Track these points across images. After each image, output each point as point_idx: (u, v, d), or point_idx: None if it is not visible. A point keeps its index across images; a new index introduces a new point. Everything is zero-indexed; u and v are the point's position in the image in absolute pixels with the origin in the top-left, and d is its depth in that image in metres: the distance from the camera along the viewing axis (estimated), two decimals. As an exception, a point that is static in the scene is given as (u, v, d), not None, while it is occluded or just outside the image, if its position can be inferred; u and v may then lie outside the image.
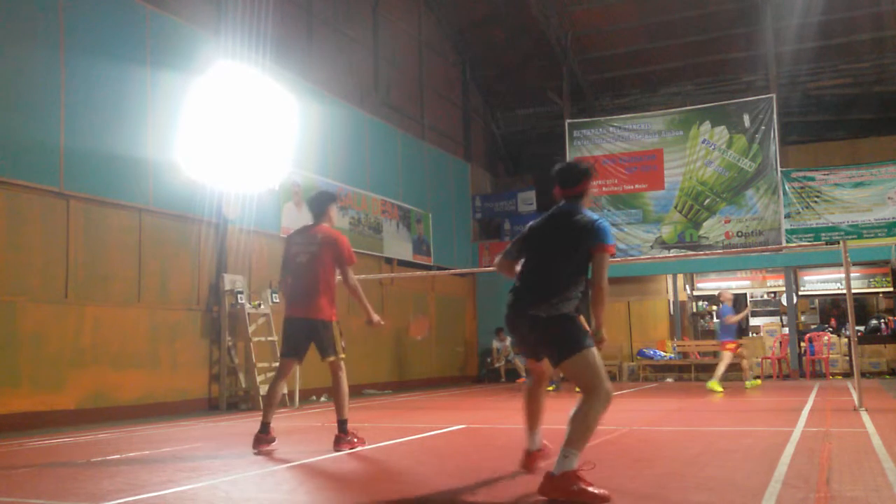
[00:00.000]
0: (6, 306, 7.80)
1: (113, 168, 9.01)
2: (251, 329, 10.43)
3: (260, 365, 10.46)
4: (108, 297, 8.98)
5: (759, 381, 12.94)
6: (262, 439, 5.64)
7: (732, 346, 12.11)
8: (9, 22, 8.04)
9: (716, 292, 19.86)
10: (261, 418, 5.72)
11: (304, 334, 5.74)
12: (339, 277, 5.97)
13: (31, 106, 8.20)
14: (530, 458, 4.35)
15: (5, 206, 7.95)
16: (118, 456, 5.65)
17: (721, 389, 11.45)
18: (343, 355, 5.82)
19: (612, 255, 3.97)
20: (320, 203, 6.07)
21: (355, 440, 5.72)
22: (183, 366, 9.82)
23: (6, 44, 7.99)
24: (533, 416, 4.38)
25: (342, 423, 5.70)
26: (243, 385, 10.49)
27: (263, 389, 10.39)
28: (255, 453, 5.53)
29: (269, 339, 10.74)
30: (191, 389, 9.95)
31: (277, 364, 6.00)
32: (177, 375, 9.72)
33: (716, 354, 17.11)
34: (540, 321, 3.88)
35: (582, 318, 3.94)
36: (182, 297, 10.00)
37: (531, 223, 4.28)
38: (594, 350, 3.84)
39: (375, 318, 6.04)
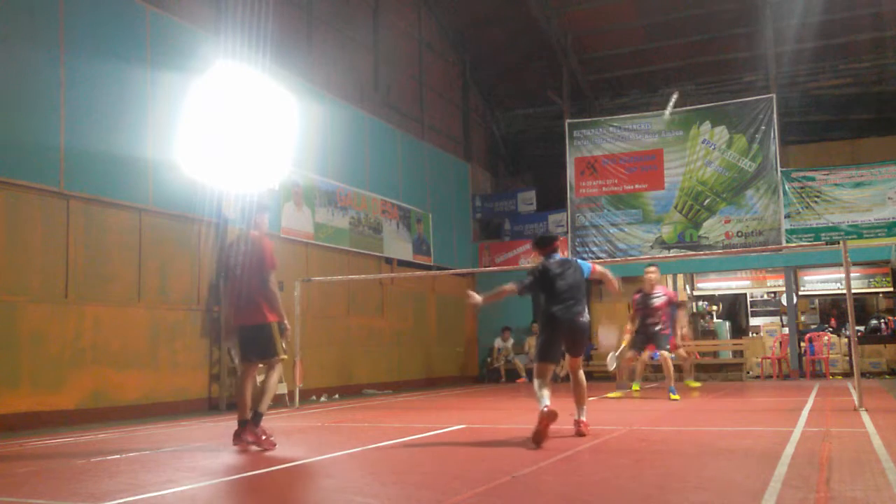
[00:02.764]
0: (6, 306, 7.80)
1: (113, 168, 9.01)
2: (251, 329, 10.41)
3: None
4: (108, 297, 8.98)
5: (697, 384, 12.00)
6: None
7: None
8: (9, 22, 8.04)
9: (716, 293, 20.03)
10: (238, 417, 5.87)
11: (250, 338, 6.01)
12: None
13: (31, 106, 8.20)
14: (576, 425, 6.26)
15: (5, 206, 7.95)
16: (118, 456, 5.66)
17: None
18: (284, 356, 6.08)
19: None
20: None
21: (264, 437, 5.72)
22: (183, 366, 9.82)
23: (6, 44, 7.99)
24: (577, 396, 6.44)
25: (259, 416, 5.79)
26: (243, 385, 10.48)
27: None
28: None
29: (269, 339, 10.73)
30: (191, 389, 9.95)
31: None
32: (177, 375, 9.72)
33: (716, 354, 17.19)
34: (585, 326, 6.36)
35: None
36: (182, 297, 10.00)
37: (541, 267, 6.42)
38: None
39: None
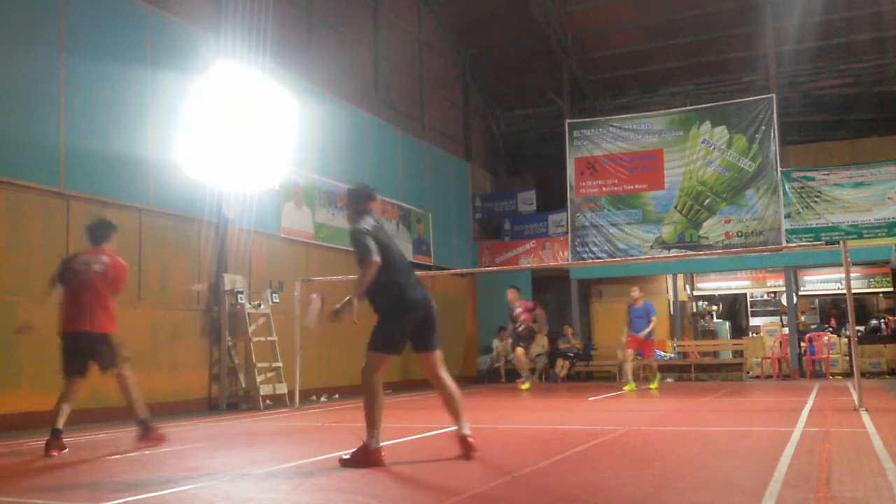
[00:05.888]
0: (6, 306, 7.80)
1: (113, 168, 9.01)
2: (251, 329, 10.43)
3: (260, 365, 10.47)
4: (108, 297, 8.96)
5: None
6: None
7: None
8: (9, 22, 8.04)
9: (716, 293, 20.04)
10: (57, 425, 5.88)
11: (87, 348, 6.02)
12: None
13: (31, 106, 8.20)
14: (462, 442, 5.01)
15: (5, 206, 7.95)
16: (118, 456, 5.66)
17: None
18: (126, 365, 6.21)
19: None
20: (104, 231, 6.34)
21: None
22: (183, 366, 9.82)
23: (6, 44, 7.99)
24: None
25: (144, 423, 6.14)
26: (243, 385, 10.50)
27: (264, 389, 10.40)
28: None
29: (270, 339, 10.75)
30: (191, 389, 9.95)
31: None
32: (177, 375, 9.72)
33: (716, 354, 17.18)
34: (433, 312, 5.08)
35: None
36: (182, 297, 10.00)
37: (374, 228, 5.02)
38: None
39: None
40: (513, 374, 16.49)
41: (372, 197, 5.22)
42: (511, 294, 13.55)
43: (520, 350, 13.57)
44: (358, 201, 5.18)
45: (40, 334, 6.28)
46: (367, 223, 5.03)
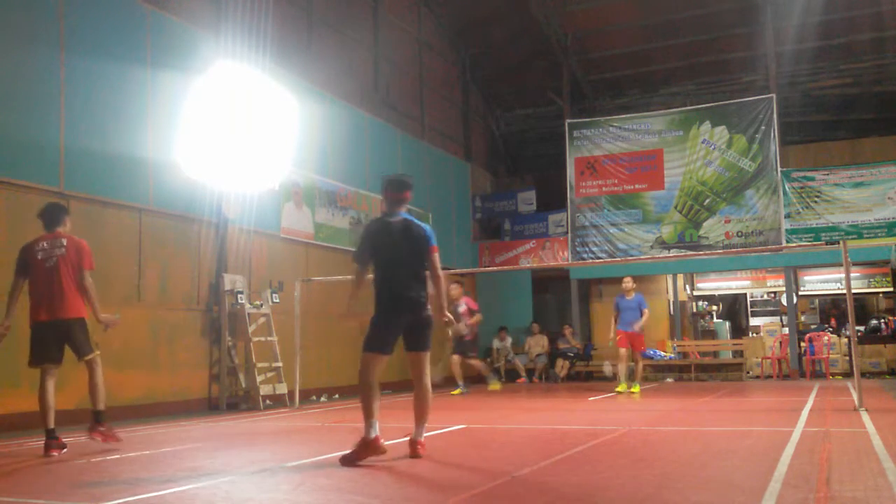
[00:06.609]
0: (7, 306, 7.79)
1: (113, 168, 9.01)
2: (251, 329, 10.43)
3: (260, 365, 10.47)
4: (108, 297, 8.96)
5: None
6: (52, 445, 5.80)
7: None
8: (9, 22, 8.04)
9: (716, 293, 20.03)
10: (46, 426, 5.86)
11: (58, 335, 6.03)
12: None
13: (31, 106, 8.20)
14: (412, 446, 5.15)
15: (5, 206, 7.95)
16: (118, 456, 5.66)
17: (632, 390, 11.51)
18: (98, 351, 6.17)
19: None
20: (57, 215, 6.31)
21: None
22: (183, 366, 9.82)
23: (6, 44, 7.99)
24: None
25: (99, 414, 6.08)
26: (243, 385, 10.50)
27: (264, 389, 10.40)
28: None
29: (270, 339, 10.75)
30: (191, 389, 9.95)
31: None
32: (177, 375, 9.72)
33: (716, 354, 17.19)
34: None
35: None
36: (182, 297, 10.00)
37: (379, 225, 5.31)
38: None
39: (103, 317, 6.19)
40: (513, 374, 16.50)
41: (402, 186, 5.34)
42: (455, 290, 12.41)
43: (455, 358, 12.54)
44: (390, 191, 5.35)
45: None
46: (394, 217, 5.23)
